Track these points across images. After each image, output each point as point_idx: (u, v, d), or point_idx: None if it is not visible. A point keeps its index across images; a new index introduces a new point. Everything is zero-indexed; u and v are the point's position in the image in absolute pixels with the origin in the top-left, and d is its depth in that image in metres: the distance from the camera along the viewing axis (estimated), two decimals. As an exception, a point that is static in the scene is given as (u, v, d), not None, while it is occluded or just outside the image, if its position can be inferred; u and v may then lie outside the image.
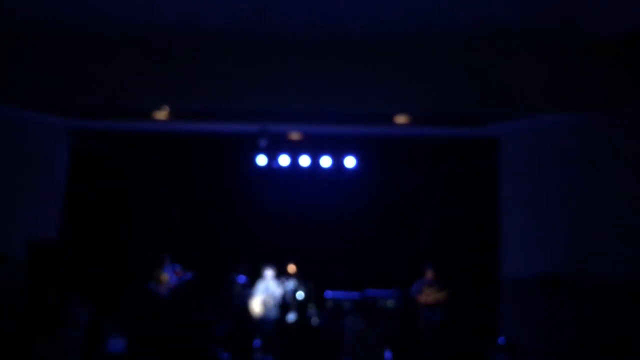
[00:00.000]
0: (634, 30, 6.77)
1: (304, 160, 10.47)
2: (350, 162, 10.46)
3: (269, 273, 9.22)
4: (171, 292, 9.28)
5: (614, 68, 7.16)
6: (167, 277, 9.32)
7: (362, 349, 6.14)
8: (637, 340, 6.69)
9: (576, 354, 7.14)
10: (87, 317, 7.64)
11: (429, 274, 9.04)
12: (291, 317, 6.77)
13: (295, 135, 9.66)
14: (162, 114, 8.35)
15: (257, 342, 6.90)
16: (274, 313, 8.87)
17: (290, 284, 9.44)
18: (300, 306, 6.81)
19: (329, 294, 9.51)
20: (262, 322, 8.66)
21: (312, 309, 9.09)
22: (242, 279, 9.64)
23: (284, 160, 10.48)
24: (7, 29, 7.38)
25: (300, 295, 9.53)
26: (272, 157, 10.52)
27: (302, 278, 9.80)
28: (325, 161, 10.46)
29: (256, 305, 8.96)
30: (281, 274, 9.58)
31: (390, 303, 9.25)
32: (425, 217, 10.87)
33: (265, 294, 9.08)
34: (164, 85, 7.55)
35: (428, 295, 9.00)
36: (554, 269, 7.58)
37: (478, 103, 7.53)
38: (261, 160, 10.46)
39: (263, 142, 7.77)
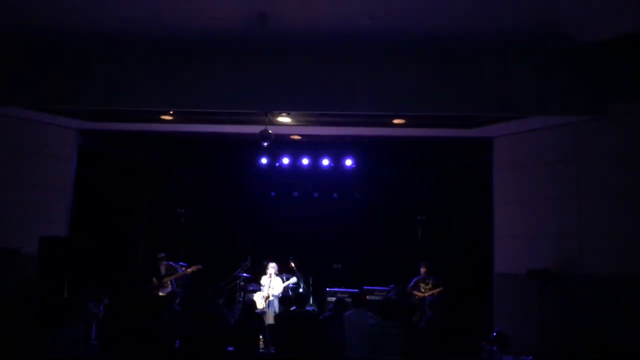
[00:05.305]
0: (622, 33, 6.96)
1: (305, 161, 10.79)
2: (349, 162, 10.77)
3: (271, 269, 9.53)
4: (176, 288, 9.46)
5: (601, 71, 7.35)
6: (168, 276, 9.48)
7: (379, 344, 5.99)
8: (622, 332, 6.94)
9: (566, 347, 7.36)
10: (102, 310, 7.84)
11: (423, 269, 9.41)
12: (293, 311, 7.03)
13: (296, 137, 9.92)
14: (167, 116, 8.62)
15: (260, 336, 7.15)
16: (276, 307, 9.18)
17: (292, 279, 9.72)
18: (301, 300, 7.05)
19: (329, 289, 9.80)
20: (265, 317, 8.93)
21: (307, 303, 9.36)
22: (245, 274, 9.94)
23: (285, 160, 10.83)
24: (21, 39, 7.63)
25: (301, 290, 9.83)
26: (274, 158, 10.84)
27: (303, 274, 10.10)
28: (325, 161, 10.78)
29: (259, 300, 9.26)
30: (283, 270, 9.89)
31: (388, 299, 9.49)
32: (422, 216, 11.10)
33: (267, 289, 9.38)
34: (169, 90, 7.73)
35: (424, 291, 9.33)
36: (545, 265, 7.80)
37: (473, 106, 7.70)
38: (263, 160, 10.84)
39: (265, 143, 8.00)
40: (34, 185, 8.68)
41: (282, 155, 10.81)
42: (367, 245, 11.13)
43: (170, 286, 9.33)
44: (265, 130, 7.90)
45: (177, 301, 7.62)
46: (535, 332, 7.68)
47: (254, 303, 8.07)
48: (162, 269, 9.49)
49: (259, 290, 9.46)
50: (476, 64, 7.61)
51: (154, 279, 9.38)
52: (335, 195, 11.57)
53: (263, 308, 9.16)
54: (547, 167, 8.23)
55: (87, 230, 9.40)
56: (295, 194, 11.61)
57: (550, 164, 8.20)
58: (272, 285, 9.38)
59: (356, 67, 7.70)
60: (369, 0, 6.58)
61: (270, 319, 8.83)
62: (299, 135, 9.76)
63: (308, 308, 8.51)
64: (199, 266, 9.51)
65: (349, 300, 7.75)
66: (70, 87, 7.81)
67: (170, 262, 9.57)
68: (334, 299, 8.79)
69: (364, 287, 9.27)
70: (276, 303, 9.16)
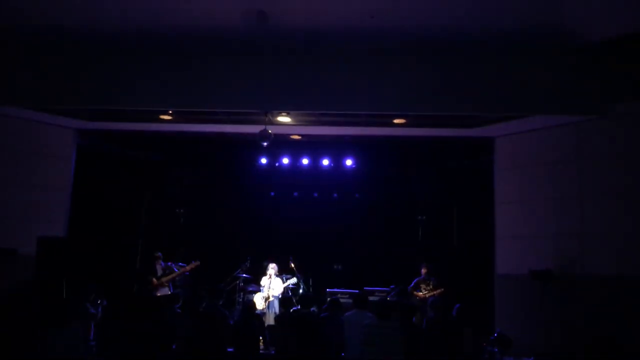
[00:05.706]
0: (622, 33, 6.99)
1: (305, 161, 10.79)
2: (349, 162, 10.77)
3: (271, 269, 9.51)
4: (173, 289, 9.42)
5: (601, 71, 7.36)
6: (166, 276, 9.43)
7: (378, 344, 5.97)
8: (623, 332, 6.93)
9: (567, 347, 7.35)
10: (100, 310, 7.81)
11: (424, 270, 9.41)
12: (293, 312, 7.02)
13: (296, 137, 9.92)
14: (167, 116, 8.62)
15: (260, 337, 7.15)
16: (276, 308, 9.16)
17: (292, 280, 9.71)
18: (306, 301, 7.04)
19: (329, 289, 9.78)
20: (264, 318, 8.91)
21: (313, 304, 9.35)
22: (245, 275, 9.92)
23: (285, 160, 10.82)
24: (21, 39, 7.64)
25: (301, 291, 9.81)
26: (274, 158, 10.83)
27: (304, 274, 10.09)
28: (325, 161, 10.78)
29: (259, 300, 9.24)
30: (283, 270, 9.87)
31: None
32: (422, 216, 11.08)
33: (268, 289, 9.37)
34: (169, 89, 7.74)
35: (425, 292, 9.31)
36: (546, 265, 7.80)
37: (473, 106, 7.71)
38: (263, 160, 10.83)
39: (265, 143, 7.99)
40: (33, 185, 8.69)
41: (282, 155, 10.81)
42: (367, 246, 11.12)
43: (167, 287, 9.28)
44: (265, 130, 7.89)
45: (179, 305, 7.56)
46: (536, 333, 7.68)
47: (253, 304, 8.06)
48: (159, 269, 9.44)
49: (259, 291, 9.44)
50: (476, 64, 7.62)
51: (154, 280, 9.34)
52: (335, 195, 11.57)
53: (263, 309, 9.14)
54: (547, 167, 8.24)
55: (86, 231, 9.41)
56: (295, 194, 11.61)
57: (550, 164, 8.20)
58: (272, 286, 9.35)
59: (356, 67, 7.72)
60: (369, 0, 6.58)
61: (270, 320, 8.81)
62: (299, 135, 9.76)
63: (309, 309, 8.49)
64: (198, 262, 9.45)
65: (344, 300, 7.73)
66: (70, 87, 7.83)
67: (168, 263, 9.52)
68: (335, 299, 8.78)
69: (365, 288, 9.24)
70: (276, 304, 9.14)
